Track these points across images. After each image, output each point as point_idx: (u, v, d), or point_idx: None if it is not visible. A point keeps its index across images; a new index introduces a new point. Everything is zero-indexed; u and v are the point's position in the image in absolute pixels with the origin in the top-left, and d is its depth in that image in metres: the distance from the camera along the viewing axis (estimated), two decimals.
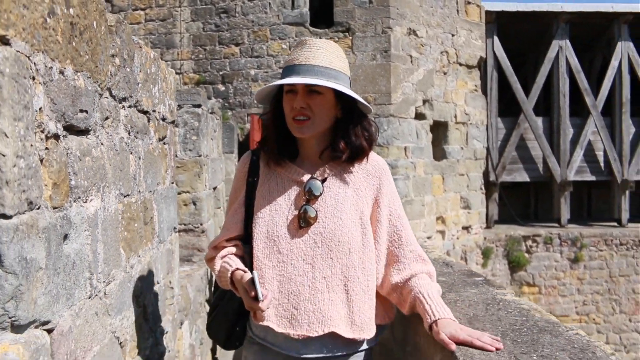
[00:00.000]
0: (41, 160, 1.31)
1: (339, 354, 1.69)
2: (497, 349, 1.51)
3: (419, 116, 9.22)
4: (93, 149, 1.66)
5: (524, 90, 12.18)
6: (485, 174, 11.54)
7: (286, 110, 1.68)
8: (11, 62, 1.15)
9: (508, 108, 13.17)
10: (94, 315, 1.66)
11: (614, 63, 12.39)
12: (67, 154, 1.46)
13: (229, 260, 1.74)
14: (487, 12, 11.44)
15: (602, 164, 12.63)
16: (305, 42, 1.71)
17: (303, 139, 1.73)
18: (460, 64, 10.13)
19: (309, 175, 1.72)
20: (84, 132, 1.60)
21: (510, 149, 12.12)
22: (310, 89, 1.64)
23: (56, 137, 1.40)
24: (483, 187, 10.88)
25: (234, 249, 1.78)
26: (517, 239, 11.46)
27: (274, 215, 1.70)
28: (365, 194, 1.75)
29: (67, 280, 1.44)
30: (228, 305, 1.84)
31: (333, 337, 1.66)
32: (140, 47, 2.28)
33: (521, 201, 13.89)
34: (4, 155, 1.12)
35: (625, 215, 12.46)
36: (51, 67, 1.35)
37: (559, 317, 11.44)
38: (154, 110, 2.50)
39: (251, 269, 1.68)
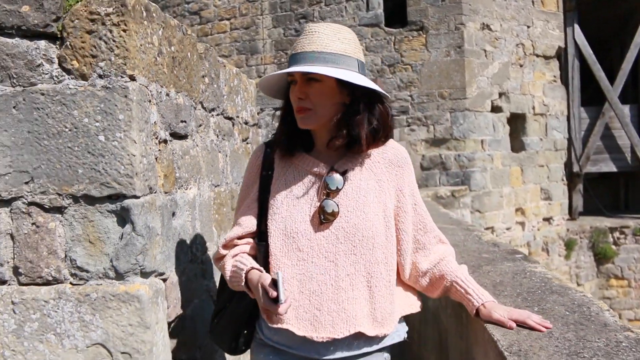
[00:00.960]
0: (156, 159, 1.84)
1: (361, 352, 1.62)
2: (547, 328, 1.53)
3: (495, 109, 9.35)
4: (191, 149, 2.19)
5: (610, 79, 11.89)
6: (569, 165, 11.42)
7: (292, 102, 1.60)
8: (137, 92, 1.68)
9: (593, 97, 12.87)
10: (194, 275, 2.20)
11: None
12: (172, 153, 1.99)
13: (242, 259, 1.64)
14: (567, 0, 11.30)
15: None
16: (304, 29, 1.60)
17: (315, 130, 1.64)
18: (537, 55, 10.13)
19: (328, 168, 1.62)
20: (183, 137, 2.13)
21: (594, 138, 11.87)
22: (309, 77, 1.55)
23: (165, 141, 1.93)
24: (565, 178, 10.79)
25: (246, 247, 1.69)
26: (603, 231, 11.24)
27: (292, 210, 1.60)
28: (387, 185, 1.66)
29: (175, 246, 1.98)
30: (237, 307, 1.74)
31: (356, 335, 1.58)
32: (224, 65, 2.81)
33: (610, 192, 13.52)
34: (134, 155, 1.66)
35: None
36: (160, 92, 1.88)
37: None
38: (237, 116, 3.03)
39: (266, 268, 1.60)
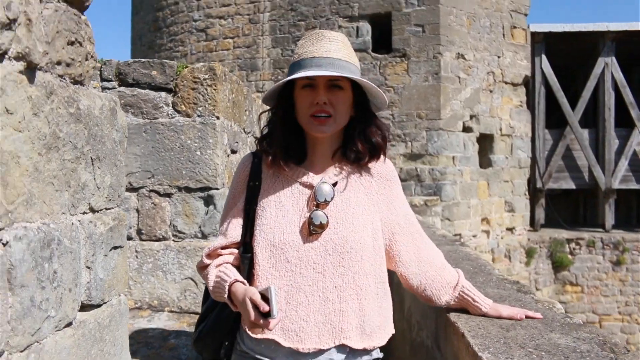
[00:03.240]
0: (225, 166, 2.96)
1: None
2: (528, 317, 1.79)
3: (466, 129, 10.58)
4: (237, 160, 3.31)
5: (574, 105, 13.21)
6: (533, 181, 12.72)
7: (303, 106, 1.57)
8: (219, 126, 2.80)
9: (558, 121, 14.20)
10: None
11: None
12: (231, 163, 3.11)
13: (226, 270, 1.61)
14: (536, 33, 12.62)
15: None
16: (322, 35, 1.57)
17: (316, 139, 1.62)
18: (506, 83, 11.39)
19: (319, 179, 1.62)
20: (235, 152, 3.25)
21: (556, 158, 13.18)
22: (333, 84, 1.54)
23: (228, 155, 3.05)
24: (527, 193, 12.05)
25: (230, 258, 1.67)
26: (561, 242, 12.51)
27: (281, 221, 1.59)
28: (377, 198, 1.67)
29: None
30: (219, 317, 1.73)
31: (341, 347, 1.59)
32: (255, 99, 3.93)
33: (571, 208, 14.87)
34: (218, 164, 2.78)
35: None
36: (228, 124, 3.01)
37: (601, 316, 12.46)
38: None
39: (250, 280, 1.59)
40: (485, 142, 11.06)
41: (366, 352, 1.63)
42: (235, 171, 1.73)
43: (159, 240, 2.82)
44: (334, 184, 1.61)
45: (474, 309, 1.79)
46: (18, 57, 1.06)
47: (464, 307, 1.81)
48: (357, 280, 1.58)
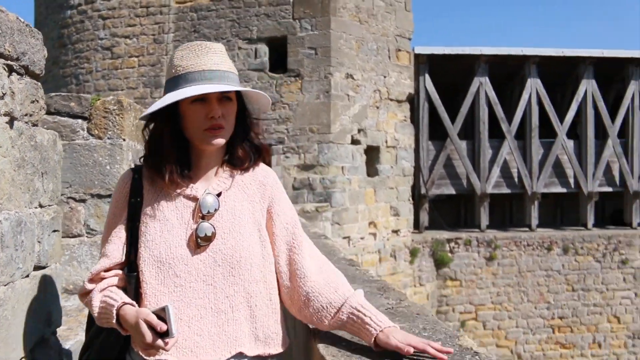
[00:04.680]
0: None
1: None
2: (448, 353, 1.42)
3: (355, 142, 11.74)
4: None
5: (455, 119, 14.82)
6: (418, 188, 14.15)
7: (195, 120, 1.56)
8: (125, 146, 3.59)
9: (442, 134, 15.81)
10: None
11: (524, 96, 15.13)
12: None
13: (111, 293, 1.56)
14: (420, 55, 14.12)
15: (515, 179, 15.30)
16: (206, 47, 1.59)
17: (202, 151, 1.62)
18: (391, 100, 12.71)
19: (203, 190, 1.61)
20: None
21: (438, 167, 14.73)
22: (224, 96, 1.57)
23: None
24: (411, 199, 13.43)
25: (114, 280, 1.61)
26: (442, 241, 14.00)
27: (167, 236, 1.57)
28: (260, 205, 1.67)
29: None
30: (106, 343, 1.66)
31: (238, 357, 1.58)
32: None
33: (453, 211, 16.55)
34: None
35: (534, 221, 15.13)
36: (132, 144, 3.79)
37: (477, 306, 14.05)
38: None
39: (137, 300, 1.56)
40: (372, 153, 12.29)
41: (261, 358, 1.61)
42: (115, 189, 1.71)
43: (74, 236, 3.55)
44: (218, 194, 1.62)
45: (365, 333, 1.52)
46: (5, 114, 1.86)
47: (354, 333, 1.58)
48: (247, 288, 1.58)
